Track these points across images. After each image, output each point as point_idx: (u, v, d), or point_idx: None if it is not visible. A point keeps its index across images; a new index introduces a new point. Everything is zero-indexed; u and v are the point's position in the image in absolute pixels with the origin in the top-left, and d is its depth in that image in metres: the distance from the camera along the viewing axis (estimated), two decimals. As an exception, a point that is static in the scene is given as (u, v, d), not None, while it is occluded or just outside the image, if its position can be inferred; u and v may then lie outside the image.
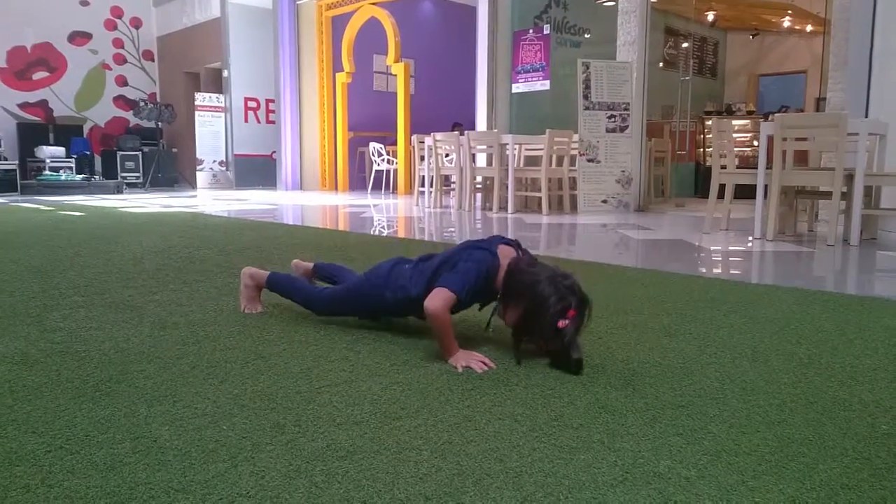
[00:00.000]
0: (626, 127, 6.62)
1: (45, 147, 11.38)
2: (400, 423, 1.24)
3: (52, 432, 1.19)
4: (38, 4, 12.22)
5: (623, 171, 6.64)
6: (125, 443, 1.15)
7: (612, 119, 6.59)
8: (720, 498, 0.96)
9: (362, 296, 1.92)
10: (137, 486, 1.00)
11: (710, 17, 11.21)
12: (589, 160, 6.58)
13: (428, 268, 1.79)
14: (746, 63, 11.99)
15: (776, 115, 4.95)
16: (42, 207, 7.20)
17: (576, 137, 6.59)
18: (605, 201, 6.64)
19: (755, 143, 9.28)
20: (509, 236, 1.81)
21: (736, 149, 8.85)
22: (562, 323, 1.53)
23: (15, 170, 10.00)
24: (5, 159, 10.40)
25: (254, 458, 1.09)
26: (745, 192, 4.83)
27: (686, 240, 4.41)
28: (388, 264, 1.90)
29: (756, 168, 4.44)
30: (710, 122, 8.34)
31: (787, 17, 10.84)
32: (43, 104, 12.49)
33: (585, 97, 6.53)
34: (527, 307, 1.59)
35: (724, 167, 4.76)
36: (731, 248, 4.09)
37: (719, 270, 3.33)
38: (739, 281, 2.86)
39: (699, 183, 9.39)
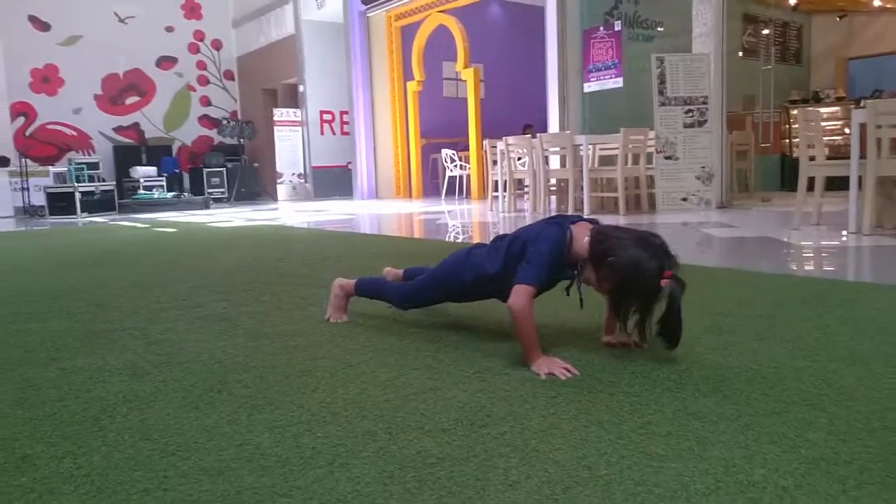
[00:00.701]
0: (705, 121, 6.42)
1: (138, 167, 12.10)
2: (486, 430, 1.26)
3: (165, 439, 1.28)
4: (128, 33, 13.03)
5: (703, 167, 6.44)
6: (230, 449, 1.22)
7: (690, 114, 6.41)
8: (820, 509, 0.93)
9: (444, 278, 1.98)
10: (244, 490, 1.06)
11: (792, 0, 10.71)
12: (666, 157, 6.42)
13: (502, 246, 1.81)
14: (834, 46, 11.37)
15: (869, 100, 4.69)
16: (138, 225, 7.65)
17: (652, 135, 6.45)
18: (684, 199, 6.45)
19: (846, 131, 8.80)
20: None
21: (825, 138, 8.41)
22: (664, 283, 1.53)
23: (113, 190, 10.69)
24: (104, 180, 11.12)
25: (349, 465, 1.13)
26: (838, 184, 4.60)
27: (773, 236, 4.23)
28: (465, 250, 1.97)
29: (848, 158, 4.21)
30: (795, 112, 7.97)
31: (878, -4, 10.22)
32: (135, 127, 13.29)
33: (661, 93, 6.38)
34: (620, 269, 1.58)
35: (812, 158, 4.55)
36: (823, 244, 3.91)
37: (811, 268, 3.19)
38: (834, 279, 2.73)
39: (786, 176, 8.98)
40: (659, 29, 8.60)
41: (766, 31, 10.65)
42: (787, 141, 9.64)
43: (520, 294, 1.65)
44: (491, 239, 1.95)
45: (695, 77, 6.42)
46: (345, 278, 2.27)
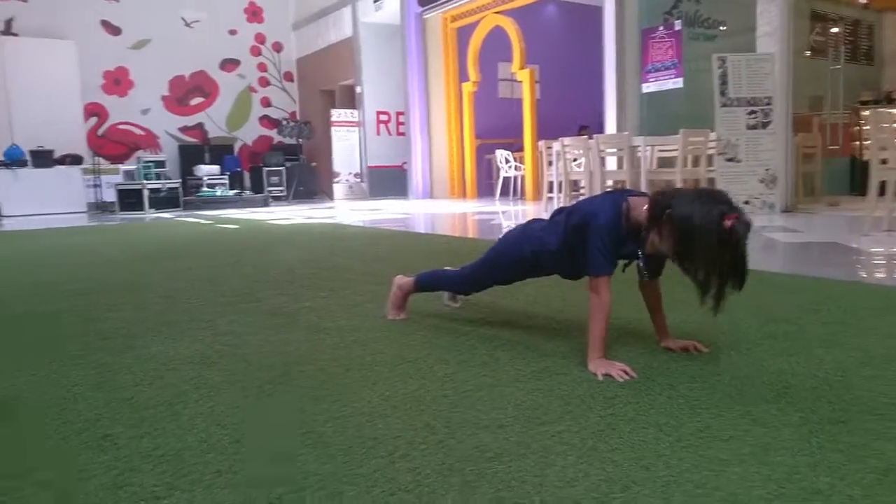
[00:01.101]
0: (769, 122, 6.24)
1: (202, 166, 12.51)
2: (544, 427, 1.27)
3: (233, 425, 1.34)
4: (194, 37, 13.49)
5: (767, 170, 6.25)
6: (295, 437, 1.27)
7: (753, 115, 6.23)
8: (889, 519, 0.91)
9: (502, 255, 1.98)
10: (309, 476, 1.11)
11: (864, -3, 10.27)
12: (728, 159, 6.26)
13: (560, 219, 1.80)
14: (909, 45, 10.85)
15: (947, 102, 4.47)
16: (202, 221, 7.92)
17: (713, 136, 6.30)
18: (747, 202, 6.28)
19: (921, 132, 8.39)
20: None
21: (898, 140, 8.05)
22: (729, 222, 1.45)
23: (178, 187, 11.08)
24: (169, 178, 11.55)
25: (409, 456, 1.17)
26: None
27: (841, 242, 4.08)
28: (521, 225, 1.98)
29: (923, 162, 4.03)
30: (866, 113, 7.65)
31: (958, -9, 9.71)
32: (199, 127, 13.75)
33: (722, 93, 6.23)
34: (681, 218, 1.51)
35: (884, 161, 4.37)
36: (895, 250, 3.75)
37: (882, 275, 3.07)
38: (905, 287, 2.62)
39: (856, 179, 8.63)
40: (721, 28, 8.39)
41: (835, 30, 10.25)
42: (858, 143, 9.25)
43: (601, 288, 1.65)
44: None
45: (758, 77, 6.24)
46: (404, 276, 2.32)
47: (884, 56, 11.20)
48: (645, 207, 1.62)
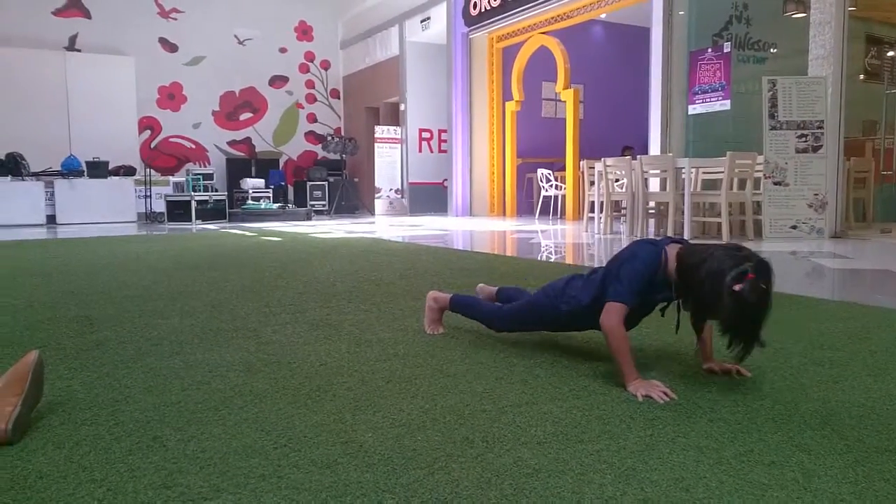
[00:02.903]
0: (820, 146, 6.11)
1: (248, 179, 12.81)
2: (582, 446, 1.28)
3: (277, 431, 1.38)
4: (245, 54, 13.89)
5: (816, 195, 6.11)
6: (337, 445, 1.30)
7: (804, 139, 6.11)
8: (938, 552, 0.89)
9: (539, 308, 2.00)
10: (350, 484, 1.13)
11: (922, 20, 10.00)
12: (776, 183, 6.14)
13: (597, 277, 1.82)
14: (969, 69, 10.50)
15: None
16: (247, 233, 8.11)
17: (760, 159, 6.19)
18: (794, 227, 6.15)
19: (981, 159, 8.10)
20: None
21: (956, 166, 7.79)
22: (738, 286, 1.47)
23: (225, 200, 11.36)
24: (216, 191, 11.86)
25: (448, 468, 1.18)
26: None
27: (893, 270, 3.96)
28: (563, 279, 1.98)
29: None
30: (922, 138, 7.43)
31: None
32: (247, 141, 14.11)
33: (772, 116, 6.13)
34: (702, 281, 1.54)
35: (940, 189, 4.23)
36: (950, 279, 3.62)
37: (936, 305, 2.97)
38: (961, 318, 2.53)
39: (909, 206, 8.35)
40: (772, 50, 8.27)
41: (891, 53, 10.00)
42: (913, 169, 8.97)
43: (610, 312, 1.67)
44: (589, 269, 1.97)
45: (810, 100, 6.13)
46: (439, 291, 2.34)
47: (942, 80, 10.86)
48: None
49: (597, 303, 1.75)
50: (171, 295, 3.21)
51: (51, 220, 10.34)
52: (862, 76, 9.76)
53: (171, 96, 13.27)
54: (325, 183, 13.06)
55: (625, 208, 7.22)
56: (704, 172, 6.91)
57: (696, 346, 1.80)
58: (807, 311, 2.64)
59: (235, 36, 13.80)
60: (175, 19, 13.21)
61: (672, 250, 1.68)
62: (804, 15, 6.52)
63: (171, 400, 1.60)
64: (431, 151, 13.03)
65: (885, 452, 1.22)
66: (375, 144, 12.99)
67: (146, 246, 6.31)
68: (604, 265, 1.87)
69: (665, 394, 1.54)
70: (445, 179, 12.32)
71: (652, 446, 1.27)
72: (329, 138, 13.40)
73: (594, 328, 1.84)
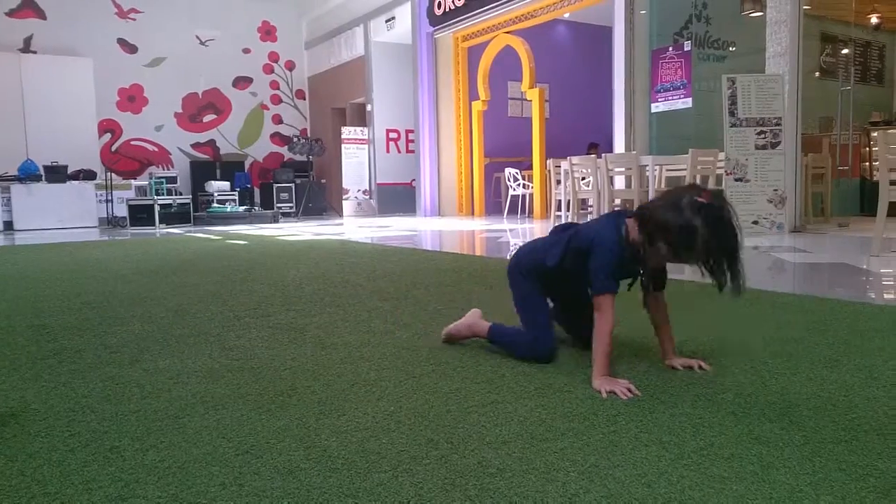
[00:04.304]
0: (778, 143, 6.24)
1: (213, 182, 12.62)
2: (546, 444, 1.28)
3: (239, 438, 1.36)
4: (208, 55, 13.69)
5: (776, 190, 6.25)
6: (300, 451, 1.28)
7: (762, 135, 6.24)
8: (890, 539, 0.91)
9: (520, 289, 1.97)
10: (313, 489, 1.12)
11: (874, 19, 10.30)
12: (737, 179, 6.26)
13: (563, 239, 1.85)
14: (919, 66, 10.85)
15: (956, 123, 4.46)
16: (212, 237, 7.99)
17: (722, 156, 6.31)
18: (756, 222, 6.27)
19: (932, 153, 8.36)
20: None
21: (908, 161, 8.02)
22: (701, 199, 1.53)
23: (189, 203, 11.18)
24: (180, 194, 11.66)
25: (412, 470, 1.18)
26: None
27: (850, 263, 4.07)
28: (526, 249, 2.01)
29: (932, 183, 4.02)
30: (876, 134, 7.64)
31: (969, 13, 9.72)
32: (211, 143, 13.90)
33: (732, 114, 6.25)
34: (666, 219, 1.57)
35: (893, 183, 4.36)
36: (903, 271, 3.73)
37: (891, 296, 3.06)
38: (914, 308, 2.61)
39: (866, 200, 8.60)
40: (731, 49, 8.43)
41: (845, 52, 10.28)
42: (868, 164, 9.24)
43: (606, 306, 1.67)
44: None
45: (768, 98, 6.26)
46: (480, 317, 2.12)
47: (895, 77, 11.20)
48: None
49: (558, 269, 1.83)
50: (132, 301, 3.14)
51: (8, 226, 10.06)
52: (817, 73, 10.02)
53: (132, 98, 13.01)
54: (292, 185, 12.94)
55: (591, 206, 7.30)
56: (668, 169, 7.02)
57: (659, 339, 1.82)
58: (768, 304, 2.69)
59: (197, 36, 13.59)
60: (134, 20, 12.95)
61: (631, 221, 1.71)
62: (761, 14, 6.65)
63: (129, 409, 1.56)
64: (399, 152, 12.99)
65: (840, 443, 1.25)
66: (342, 145, 12.91)
67: (107, 251, 6.17)
68: (570, 225, 1.91)
69: (629, 390, 1.56)
70: (413, 180, 12.30)
71: (615, 443, 1.28)
72: (295, 139, 13.28)
73: (557, 298, 1.92)
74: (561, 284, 1.93)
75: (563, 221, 7.34)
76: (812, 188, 7.15)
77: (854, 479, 1.09)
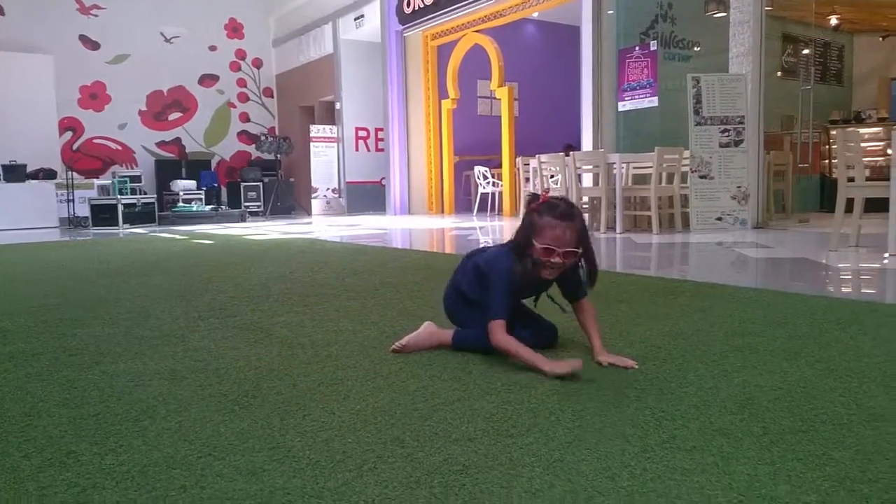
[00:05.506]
0: (742, 141, 6.36)
1: (178, 181, 12.41)
2: (512, 440, 1.28)
3: (201, 440, 1.33)
4: (173, 52, 13.45)
5: (739, 187, 6.37)
6: (263, 451, 1.27)
7: (726, 133, 6.35)
8: (844, 525, 0.93)
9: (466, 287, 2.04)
10: (276, 490, 1.10)
11: (833, 20, 10.56)
12: (701, 176, 6.37)
13: (469, 265, 2.02)
14: (877, 67, 11.15)
15: (910, 121, 4.60)
16: (177, 237, 7.85)
17: (687, 154, 6.41)
18: (719, 218, 6.39)
19: (889, 152, 8.61)
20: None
21: (866, 159, 8.24)
22: (534, 205, 1.81)
23: (154, 203, 10.97)
24: (145, 193, 11.44)
25: (377, 469, 1.17)
26: (880, 206, 4.50)
27: (810, 258, 4.17)
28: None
29: (889, 180, 4.13)
30: (835, 132, 7.84)
31: (922, 15, 10.02)
32: (177, 142, 13.67)
33: (696, 112, 6.35)
34: (523, 242, 1.81)
35: (851, 179, 4.47)
36: (861, 266, 3.83)
37: (848, 290, 3.14)
38: (871, 301, 2.68)
39: (825, 197, 8.80)
40: (696, 49, 8.56)
41: (806, 51, 10.52)
42: (827, 161, 9.47)
43: (493, 331, 1.79)
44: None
45: (731, 97, 6.38)
46: (435, 326, 2.08)
47: (853, 77, 11.51)
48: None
49: (459, 291, 2.04)
50: (94, 303, 3.07)
51: (-36, 227, 9.77)
52: (779, 73, 10.24)
53: (94, 96, 12.73)
54: (260, 184, 12.79)
55: (560, 204, 7.33)
56: (635, 167, 7.10)
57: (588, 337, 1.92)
58: (730, 299, 2.74)
59: (161, 33, 13.34)
60: (96, 16, 12.67)
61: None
62: (725, 14, 6.77)
63: (88, 412, 1.53)
64: (368, 150, 12.93)
65: (798, 433, 1.28)
66: (311, 144, 12.81)
67: (68, 252, 6.03)
68: (474, 254, 2.05)
69: (574, 369, 1.64)
70: (383, 178, 12.25)
71: (580, 437, 1.29)
72: (263, 138, 13.12)
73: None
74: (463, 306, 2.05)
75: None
76: (774, 185, 7.30)
77: (811, 468, 1.12)
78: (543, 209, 1.79)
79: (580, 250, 1.80)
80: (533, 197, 1.83)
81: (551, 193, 1.91)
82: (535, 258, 1.78)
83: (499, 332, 1.78)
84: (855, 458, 1.15)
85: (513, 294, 1.85)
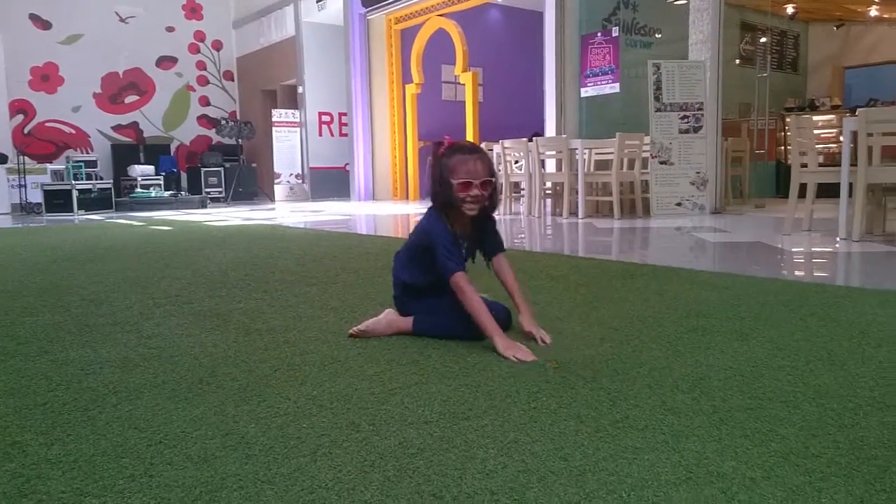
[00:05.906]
0: (700, 127, 6.47)
1: (136, 166, 12.12)
2: (468, 422, 1.29)
3: (152, 429, 1.31)
4: (128, 32, 13.06)
5: (698, 173, 6.48)
6: (216, 438, 1.25)
7: (686, 120, 6.45)
8: (785, 498, 0.96)
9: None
10: (228, 477, 1.09)
11: (790, 9, 10.77)
12: (661, 162, 6.45)
13: (402, 252, 2.04)
14: (831, 55, 11.44)
15: (861, 109, 4.73)
16: (134, 223, 7.68)
17: (647, 140, 6.49)
18: (679, 204, 6.49)
19: (842, 139, 8.85)
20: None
21: (820, 146, 8.47)
22: (441, 149, 1.88)
23: (110, 188, 10.69)
24: (101, 179, 11.14)
25: (331, 454, 1.16)
26: (831, 191, 4.63)
27: (765, 242, 4.27)
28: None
29: (840, 166, 4.25)
30: (790, 119, 8.02)
31: (875, 6, 10.29)
32: (134, 126, 13.31)
33: (657, 98, 6.42)
34: (437, 186, 1.87)
35: (804, 165, 4.58)
36: (813, 249, 3.94)
37: (801, 273, 3.22)
38: (820, 283, 2.76)
39: (781, 183, 9.02)
40: (657, 36, 8.65)
41: (763, 40, 10.72)
42: (783, 148, 9.70)
43: (461, 285, 1.81)
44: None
45: (691, 83, 6.47)
46: (396, 313, 2.03)
47: (808, 65, 11.77)
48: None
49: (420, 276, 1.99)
50: (44, 290, 2.98)
51: None
52: (737, 61, 10.43)
53: (46, 77, 12.31)
54: (221, 169, 12.56)
55: (523, 189, 7.38)
56: (597, 153, 7.16)
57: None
58: (686, 282, 2.79)
59: (116, 13, 12.94)
60: (47, -6, 12.21)
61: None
62: (685, 2, 6.85)
63: (35, 402, 1.48)
64: (332, 135, 12.79)
65: (746, 410, 1.31)
66: (273, 128, 12.62)
67: (19, 239, 5.85)
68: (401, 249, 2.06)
69: (526, 354, 1.67)
70: (347, 164, 12.15)
71: (535, 418, 1.30)
72: (223, 122, 12.85)
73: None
74: (436, 287, 1.93)
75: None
76: (731, 171, 7.45)
77: (757, 444, 1.15)
78: (449, 151, 1.86)
79: (494, 179, 1.87)
80: (437, 144, 1.90)
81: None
82: (454, 196, 1.83)
83: (466, 285, 1.81)
84: (799, 434, 1.18)
85: (458, 245, 1.88)
